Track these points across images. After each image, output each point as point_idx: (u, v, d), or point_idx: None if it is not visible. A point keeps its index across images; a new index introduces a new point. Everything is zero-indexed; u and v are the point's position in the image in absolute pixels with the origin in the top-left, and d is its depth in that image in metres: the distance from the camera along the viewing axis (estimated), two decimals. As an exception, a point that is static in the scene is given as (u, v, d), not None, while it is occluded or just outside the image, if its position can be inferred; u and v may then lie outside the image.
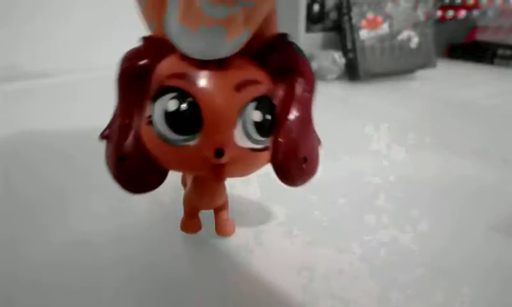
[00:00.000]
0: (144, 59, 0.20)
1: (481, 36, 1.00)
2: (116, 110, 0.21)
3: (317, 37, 0.81)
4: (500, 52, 0.92)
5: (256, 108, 0.20)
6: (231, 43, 0.18)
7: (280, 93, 0.21)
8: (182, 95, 0.19)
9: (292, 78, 0.21)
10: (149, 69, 0.20)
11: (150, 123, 0.19)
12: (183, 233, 0.27)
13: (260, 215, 0.31)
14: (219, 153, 0.18)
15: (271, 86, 0.20)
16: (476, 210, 0.32)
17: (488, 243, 0.28)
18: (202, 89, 0.18)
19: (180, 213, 0.27)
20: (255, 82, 0.19)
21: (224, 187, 0.25)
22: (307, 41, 0.79)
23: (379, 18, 0.76)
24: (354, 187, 0.36)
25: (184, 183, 0.29)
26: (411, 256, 0.26)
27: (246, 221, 0.30)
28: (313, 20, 0.80)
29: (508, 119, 0.57)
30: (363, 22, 0.75)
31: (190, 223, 0.27)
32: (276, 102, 0.21)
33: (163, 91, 0.19)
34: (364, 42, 0.75)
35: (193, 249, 0.27)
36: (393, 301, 0.22)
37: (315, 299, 0.23)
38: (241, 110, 0.19)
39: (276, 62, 0.21)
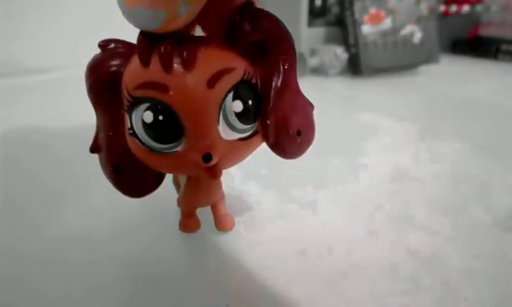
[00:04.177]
0: (110, 66, 0.19)
1: (485, 31, 0.99)
2: (97, 122, 0.20)
3: (319, 32, 0.80)
4: (504, 47, 0.91)
5: (236, 97, 0.18)
6: (166, 14, 0.16)
7: (259, 69, 0.20)
8: (155, 105, 0.18)
9: (269, 50, 0.19)
10: (117, 75, 0.19)
11: (132, 134, 0.19)
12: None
13: (260, 207, 0.30)
14: (207, 158, 0.18)
15: (247, 67, 0.19)
16: (480, 206, 0.32)
17: (492, 239, 0.28)
18: (174, 95, 0.17)
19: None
20: (228, 70, 0.18)
21: (220, 182, 0.25)
22: (309, 35, 0.78)
23: (382, 13, 0.76)
24: (356, 183, 0.35)
25: (175, 182, 0.29)
26: (413, 252, 0.26)
27: (245, 214, 0.29)
28: (315, 14, 0.79)
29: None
30: (366, 17, 0.75)
31: (189, 222, 0.26)
32: (256, 80, 0.20)
33: (135, 102, 0.18)
34: (367, 37, 0.74)
35: (193, 244, 0.27)
36: (395, 296, 0.22)
37: (320, 294, 0.22)
38: (220, 105, 0.18)
39: (247, 37, 0.19)
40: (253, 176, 0.35)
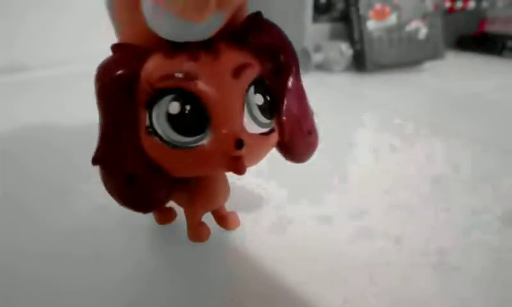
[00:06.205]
0: (123, 67, 0.18)
1: (490, 28, 0.98)
2: (105, 129, 0.19)
3: (324, 28, 0.80)
4: (509, 44, 0.91)
5: (257, 91, 0.19)
6: (201, 26, 0.17)
7: (268, 72, 0.20)
8: (181, 95, 0.17)
9: (276, 55, 0.20)
10: (132, 76, 0.18)
11: (151, 132, 0.18)
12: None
13: (265, 204, 0.30)
14: (240, 144, 0.17)
15: (260, 67, 0.20)
16: (486, 201, 0.32)
17: (498, 234, 0.28)
18: (202, 83, 0.17)
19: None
20: (248, 65, 0.19)
21: (228, 182, 0.24)
22: (314, 31, 0.78)
23: (387, 9, 0.75)
24: (361, 180, 0.35)
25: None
26: (419, 247, 0.26)
27: (246, 210, 0.30)
28: (320, 10, 0.79)
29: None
30: (371, 13, 0.74)
31: (200, 231, 0.25)
32: (268, 82, 0.20)
33: (158, 95, 0.18)
34: (372, 33, 0.74)
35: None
36: (401, 292, 0.22)
37: (326, 289, 0.22)
38: (244, 96, 0.18)
39: (256, 42, 0.20)
40: (258, 173, 0.35)
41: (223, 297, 0.22)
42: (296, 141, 0.21)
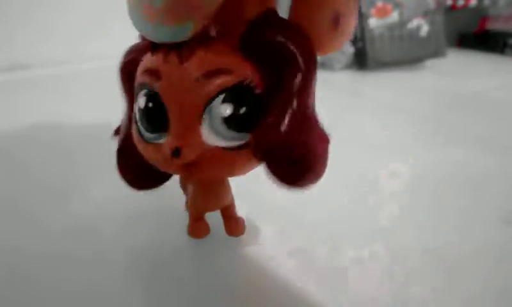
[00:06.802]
0: (130, 55, 0.20)
1: (492, 25, 0.98)
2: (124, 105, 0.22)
3: (325, 25, 0.79)
4: (511, 42, 0.90)
5: (227, 100, 0.17)
6: (170, 29, 0.17)
7: (267, 80, 0.18)
8: (149, 91, 0.18)
9: (281, 61, 0.17)
10: (132, 65, 0.20)
11: (134, 118, 0.20)
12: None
13: (264, 203, 0.30)
14: (176, 152, 0.17)
15: (250, 74, 0.18)
16: (487, 200, 0.31)
17: (500, 235, 0.27)
18: (163, 84, 0.18)
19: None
20: (223, 71, 0.17)
21: (229, 186, 0.24)
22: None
23: (389, 6, 0.75)
24: (361, 178, 0.35)
25: (182, 186, 0.27)
26: (419, 247, 0.26)
27: (253, 218, 0.29)
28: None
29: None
30: (373, 10, 0.74)
31: (197, 227, 0.25)
32: (260, 91, 0.18)
33: (138, 87, 0.19)
34: (373, 31, 0.74)
35: (201, 239, 0.26)
36: (401, 294, 0.22)
37: (324, 292, 0.22)
38: (206, 104, 0.17)
39: (259, 43, 0.18)
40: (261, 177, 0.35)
41: (223, 296, 0.22)
42: (272, 164, 0.18)
